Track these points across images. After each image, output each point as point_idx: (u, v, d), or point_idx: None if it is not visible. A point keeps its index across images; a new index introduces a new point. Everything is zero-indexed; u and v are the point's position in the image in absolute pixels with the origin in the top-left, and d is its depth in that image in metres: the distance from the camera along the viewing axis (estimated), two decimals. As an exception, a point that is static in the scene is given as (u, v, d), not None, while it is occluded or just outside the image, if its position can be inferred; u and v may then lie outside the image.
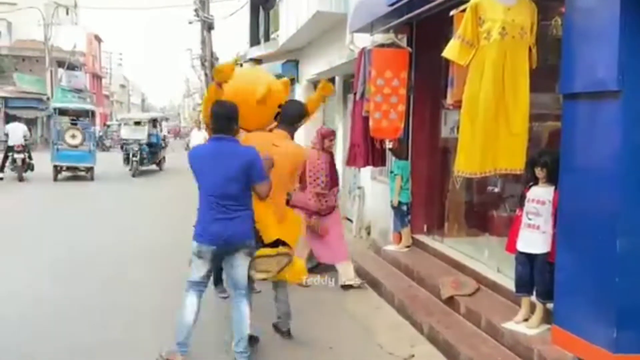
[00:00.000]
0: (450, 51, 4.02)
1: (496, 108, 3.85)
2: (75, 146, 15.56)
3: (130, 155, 17.37)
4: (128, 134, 19.09)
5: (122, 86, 72.10)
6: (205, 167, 3.70)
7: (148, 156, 18.21)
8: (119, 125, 22.05)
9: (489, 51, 3.85)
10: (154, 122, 20.36)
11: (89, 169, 15.86)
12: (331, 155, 6.01)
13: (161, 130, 21.72)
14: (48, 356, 4.03)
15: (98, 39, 50.89)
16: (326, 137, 5.90)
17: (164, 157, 20.20)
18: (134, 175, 16.85)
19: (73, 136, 15.67)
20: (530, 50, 3.97)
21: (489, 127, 3.86)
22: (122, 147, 18.99)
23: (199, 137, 16.23)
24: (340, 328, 4.65)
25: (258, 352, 4.07)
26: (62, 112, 16.75)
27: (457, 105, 4.38)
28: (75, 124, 16.28)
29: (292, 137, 4.41)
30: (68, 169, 15.82)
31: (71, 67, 36.29)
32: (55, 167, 15.38)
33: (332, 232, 5.90)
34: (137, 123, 19.54)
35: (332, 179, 5.90)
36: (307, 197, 5.76)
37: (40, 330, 4.51)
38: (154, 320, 4.72)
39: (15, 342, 4.24)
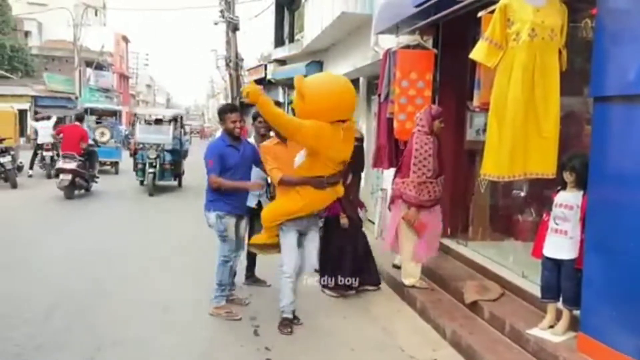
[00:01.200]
0: (478, 53, 3.98)
1: (525, 111, 3.79)
2: (104, 143, 16.52)
3: (147, 166, 12.40)
4: (145, 135, 13.47)
5: (148, 86, 73.19)
6: None
7: (170, 167, 13.02)
8: (133, 124, 15.22)
9: (518, 53, 3.79)
10: (176, 121, 14.43)
11: (115, 164, 17.01)
12: (439, 139, 5.30)
13: (185, 133, 15.77)
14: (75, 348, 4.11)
15: (125, 39, 51.72)
16: (437, 118, 5.15)
17: (183, 171, 14.23)
18: (151, 194, 12.23)
19: (102, 134, 16.99)
20: (560, 52, 3.91)
21: (518, 130, 3.81)
22: (133, 153, 13.39)
23: (223, 136, 16.32)
24: (362, 330, 4.63)
25: (279, 353, 4.10)
26: (92, 111, 18.39)
27: (484, 107, 4.34)
28: (100, 122, 17.61)
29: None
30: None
31: (99, 67, 36.97)
32: None
33: (431, 228, 5.34)
34: (159, 121, 14.31)
35: (441, 166, 5.25)
36: (406, 187, 5.21)
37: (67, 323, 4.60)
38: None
39: (43, 333, 4.33)
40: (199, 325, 4.67)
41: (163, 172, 12.70)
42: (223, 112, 4.92)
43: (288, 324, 4.52)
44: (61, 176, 11.23)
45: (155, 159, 12.38)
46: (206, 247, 5.79)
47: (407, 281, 5.40)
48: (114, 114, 19.23)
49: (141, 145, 12.85)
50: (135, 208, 11.17)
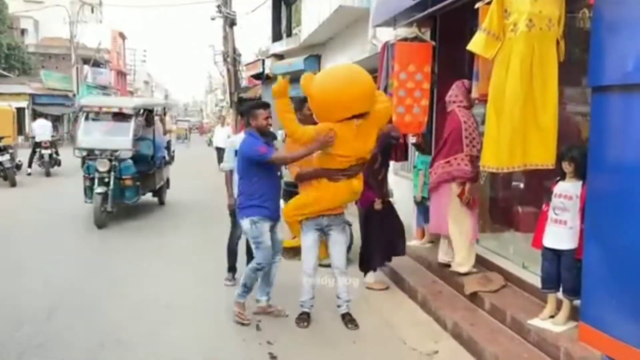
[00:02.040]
0: (476, 44, 3.97)
1: (524, 102, 3.78)
2: None
3: (96, 183, 8.38)
4: (94, 137, 9.20)
5: (146, 82, 72.94)
6: None
7: (135, 182, 8.93)
8: (76, 117, 12.29)
9: (515, 44, 3.79)
10: (146, 115, 10.39)
11: None
12: None
13: (166, 132, 11.86)
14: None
15: (122, 36, 51.51)
16: (470, 91, 4.96)
17: (167, 181, 10.85)
18: (100, 226, 8.25)
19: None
20: (557, 42, 3.90)
21: (517, 121, 3.80)
22: (82, 164, 9.10)
23: (223, 133, 16.35)
24: (364, 323, 4.64)
25: (281, 348, 4.13)
26: None
27: (483, 99, 4.34)
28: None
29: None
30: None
31: (96, 64, 36.87)
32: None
33: (478, 204, 5.26)
34: (118, 116, 9.50)
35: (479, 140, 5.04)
36: (459, 163, 5.01)
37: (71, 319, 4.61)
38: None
39: (45, 332, 4.35)
40: (201, 321, 4.69)
41: (123, 190, 8.75)
42: (254, 107, 4.65)
43: (305, 318, 4.60)
44: None
45: (107, 172, 8.44)
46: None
47: (463, 269, 5.13)
48: None
49: (88, 152, 8.80)
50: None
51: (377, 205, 5.34)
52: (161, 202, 10.65)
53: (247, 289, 4.62)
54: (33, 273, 5.98)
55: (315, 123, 4.40)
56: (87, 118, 9.54)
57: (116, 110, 9.48)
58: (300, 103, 4.71)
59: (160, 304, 5.09)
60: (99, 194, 8.24)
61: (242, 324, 4.54)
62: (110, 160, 8.49)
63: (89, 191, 8.62)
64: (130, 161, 8.88)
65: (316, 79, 4.39)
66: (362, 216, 5.56)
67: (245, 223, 4.53)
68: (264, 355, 4.01)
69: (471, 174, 4.99)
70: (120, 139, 8.92)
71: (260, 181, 4.48)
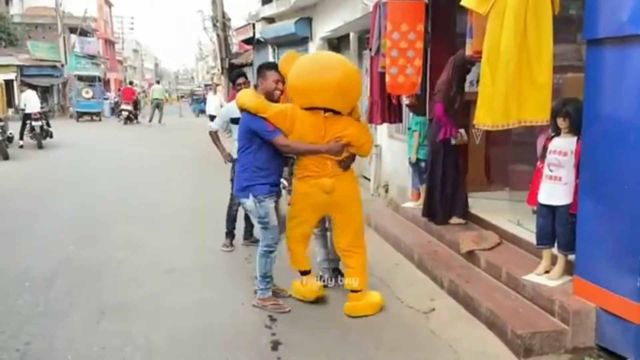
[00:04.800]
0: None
1: (519, 57, 3.72)
2: (88, 99, 26.32)
3: None
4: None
5: (135, 51, 71.68)
6: None
7: None
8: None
9: (509, -2, 3.70)
10: None
11: (98, 114, 26.53)
12: None
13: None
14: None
15: (108, 3, 50.43)
16: None
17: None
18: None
19: (87, 92, 26.57)
20: (553, -5, 3.82)
21: (512, 78, 3.75)
22: None
23: (215, 100, 16.17)
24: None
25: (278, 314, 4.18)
26: (80, 78, 27.82)
27: (477, 56, 4.27)
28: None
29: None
30: (85, 114, 26.12)
31: (83, 33, 36.13)
32: (77, 112, 26.43)
33: None
34: None
35: None
36: None
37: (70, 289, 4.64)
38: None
39: (46, 300, 4.39)
40: (200, 286, 4.73)
41: None
42: (264, 67, 4.30)
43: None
44: (123, 113, 23.85)
45: None
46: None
47: None
48: (95, 79, 28.25)
49: None
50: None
51: (460, 138, 5.31)
52: None
53: (266, 279, 4.23)
54: (32, 242, 6.00)
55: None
56: None
57: None
58: (258, 73, 4.37)
59: (160, 269, 5.12)
60: None
61: (283, 312, 4.16)
62: None
63: None
64: None
65: (298, 60, 4.22)
66: (436, 152, 5.43)
67: (249, 202, 4.14)
68: (263, 318, 4.07)
69: None
70: None
71: (265, 155, 4.10)
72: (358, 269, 4.17)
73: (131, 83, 28.52)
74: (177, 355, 3.56)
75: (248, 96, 4.12)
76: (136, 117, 24.47)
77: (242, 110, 4.12)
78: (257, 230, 4.40)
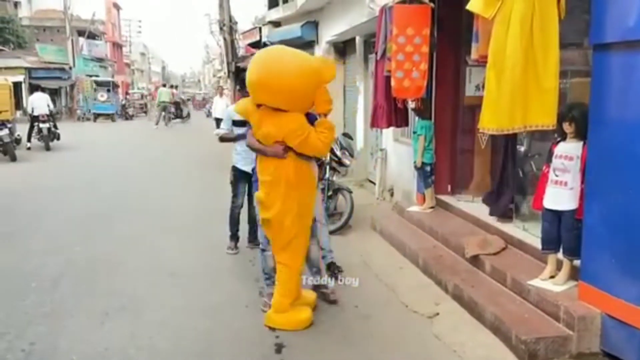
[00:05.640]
0: (475, 4, 3.90)
1: (525, 62, 3.72)
2: (103, 102, 29.23)
3: None
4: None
5: (142, 54, 72.05)
6: None
7: None
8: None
9: (515, 2, 3.70)
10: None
11: (111, 115, 29.05)
12: None
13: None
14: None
15: (117, 6, 50.75)
16: None
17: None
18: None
19: (102, 95, 29.46)
20: (558, 0, 3.81)
21: (517, 82, 3.74)
22: None
23: (221, 104, 16.22)
24: (365, 288, 4.69)
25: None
26: (97, 83, 30.41)
27: (483, 60, 4.27)
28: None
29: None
30: (100, 115, 28.85)
31: (91, 36, 36.44)
32: (93, 114, 29.04)
33: None
34: None
35: None
36: None
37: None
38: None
39: (52, 301, 4.41)
40: (204, 288, 4.74)
41: None
42: None
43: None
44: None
45: None
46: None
47: None
48: (109, 83, 30.55)
49: None
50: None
51: None
52: None
53: (266, 274, 4.35)
54: (39, 243, 6.02)
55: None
56: None
57: None
58: (242, 82, 4.50)
59: (165, 271, 5.14)
60: None
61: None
62: None
63: None
64: None
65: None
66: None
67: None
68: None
69: None
70: None
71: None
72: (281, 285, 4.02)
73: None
74: (180, 356, 3.57)
75: (241, 104, 4.26)
76: (180, 117, 26.48)
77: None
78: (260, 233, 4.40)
